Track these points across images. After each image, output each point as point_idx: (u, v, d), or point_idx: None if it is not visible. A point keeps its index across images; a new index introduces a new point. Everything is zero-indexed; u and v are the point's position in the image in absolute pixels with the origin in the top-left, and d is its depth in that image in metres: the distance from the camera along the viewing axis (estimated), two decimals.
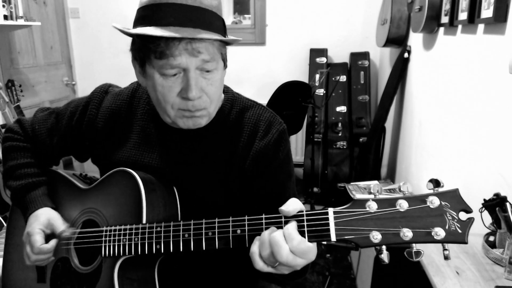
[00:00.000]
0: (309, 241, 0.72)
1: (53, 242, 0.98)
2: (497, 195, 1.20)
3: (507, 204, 1.17)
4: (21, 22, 2.74)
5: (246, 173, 0.94)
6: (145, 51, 0.84)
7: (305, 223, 0.72)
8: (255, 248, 0.73)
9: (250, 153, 0.94)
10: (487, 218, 1.24)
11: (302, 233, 0.72)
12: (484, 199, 1.23)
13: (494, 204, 1.20)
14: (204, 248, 0.79)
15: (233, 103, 0.99)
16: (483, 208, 1.23)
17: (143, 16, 0.83)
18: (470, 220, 0.66)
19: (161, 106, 0.89)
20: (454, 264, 1.18)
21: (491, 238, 1.26)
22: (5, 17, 2.60)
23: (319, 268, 2.55)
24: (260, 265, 0.73)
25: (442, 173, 1.98)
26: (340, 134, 3.43)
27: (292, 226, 0.71)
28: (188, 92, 0.83)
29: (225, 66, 0.91)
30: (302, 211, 0.74)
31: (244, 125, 0.96)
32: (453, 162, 1.83)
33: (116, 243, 0.88)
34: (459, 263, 1.19)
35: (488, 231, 1.29)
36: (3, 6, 2.57)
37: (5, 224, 2.14)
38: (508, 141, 1.35)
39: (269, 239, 0.71)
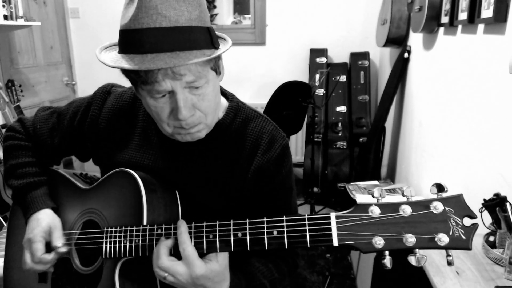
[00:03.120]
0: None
1: (54, 254, 0.96)
2: (497, 195, 1.20)
3: (507, 204, 1.17)
4: (21, 22, 2.74)
5: (247, 185, 0.94)
6: (130, 79, 0.83)
7: (307, 228, 0.72)
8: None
9: (252, 166, 0.93)
10: (487, 218, 1.24)
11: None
12: (484, 199, 1.23)
13: (494, 204, 1.20)
14: (205, 251, 0.79)
15: (237, 112, 0.98)
16: (483, 208, 1.23)
17: (123, 42, 0.81)
18: (474, 226, 0.66)
19: (158, 123, 0.89)
20: (454, 264, 1.18)
21: (491, 238, 1.26)
22: (5, 17, 2.60)
23: (319, 268, 2.56)
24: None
25: (442, 173, 1.99)
26: (340, 134, 3.43)
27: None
28: (178, 114, 0.82)
29: (218, 73, 0.88)
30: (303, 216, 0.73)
31: (247, 136, 0.96)
32: (453, 162, 1.83)
33: (117, 245, 0.88)
34: (459, 263, 1.19)
35: (488, 231, 1.29)
36: (3, 6, 2.57)
37: (5, 224, 2.14)
38: (508, 141, 1.36)
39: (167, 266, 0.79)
